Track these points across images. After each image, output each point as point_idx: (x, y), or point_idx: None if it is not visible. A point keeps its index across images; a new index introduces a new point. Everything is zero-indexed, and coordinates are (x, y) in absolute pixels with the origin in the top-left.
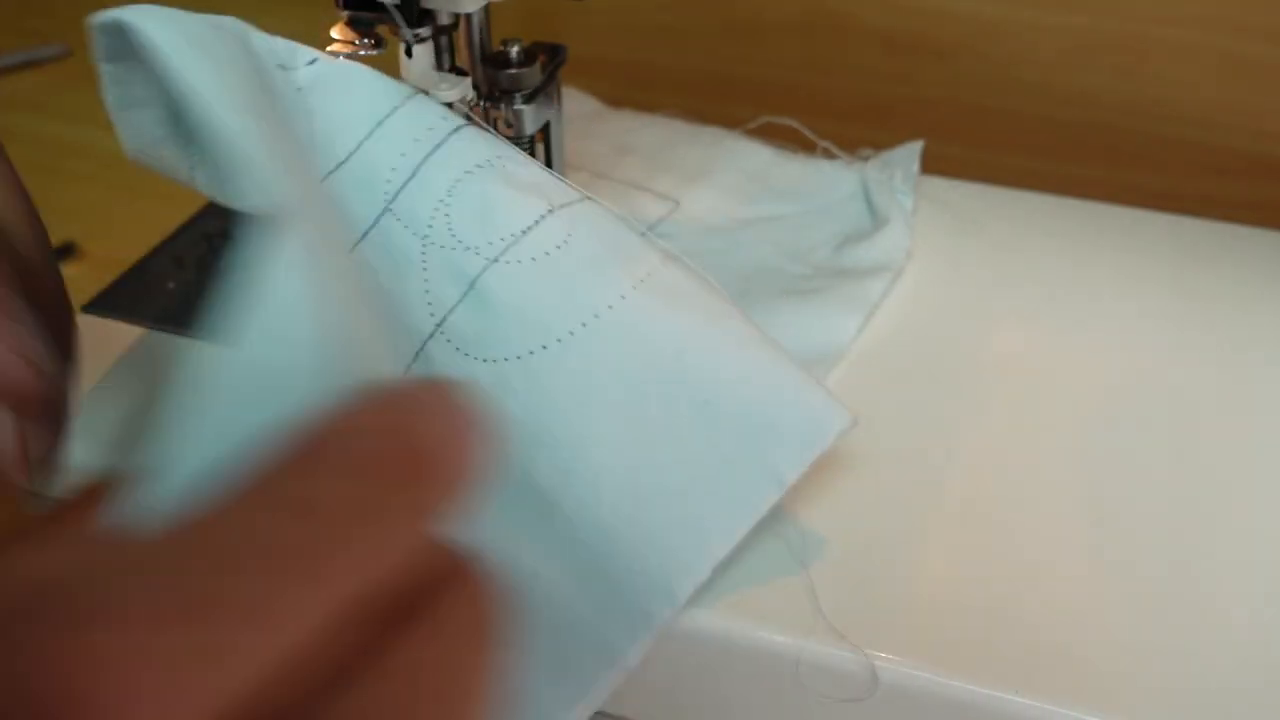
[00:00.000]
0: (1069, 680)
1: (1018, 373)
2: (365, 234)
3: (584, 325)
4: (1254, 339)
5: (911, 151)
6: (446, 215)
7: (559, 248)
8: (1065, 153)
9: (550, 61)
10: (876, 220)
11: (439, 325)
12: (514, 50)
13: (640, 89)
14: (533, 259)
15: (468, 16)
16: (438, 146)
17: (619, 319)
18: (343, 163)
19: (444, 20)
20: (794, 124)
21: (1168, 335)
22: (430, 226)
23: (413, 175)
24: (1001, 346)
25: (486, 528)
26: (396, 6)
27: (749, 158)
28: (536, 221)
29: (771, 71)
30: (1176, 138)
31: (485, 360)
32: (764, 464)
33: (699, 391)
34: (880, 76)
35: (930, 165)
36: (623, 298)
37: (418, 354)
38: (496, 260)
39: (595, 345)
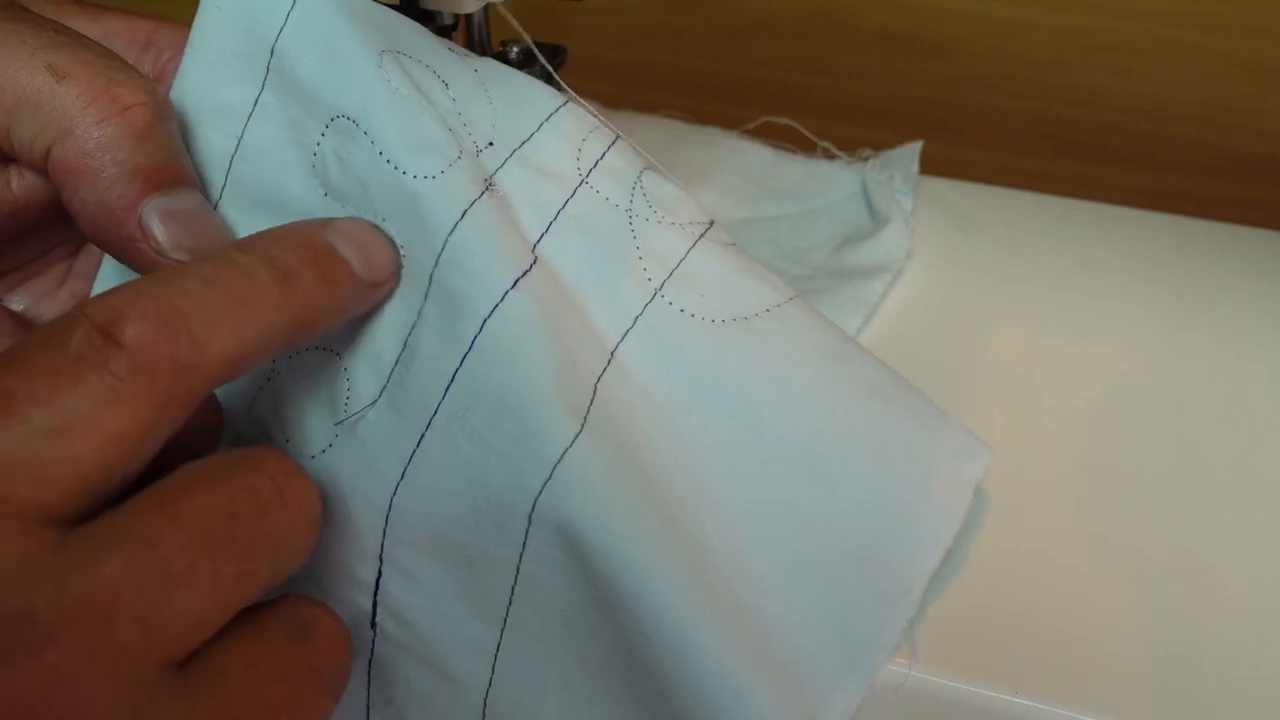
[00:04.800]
0: (1069, 680)
1: (1017, 373)
2: (563, 207)
3: (778, 305)
4: (1253, 339)
5: (911, 152)
6: (644, 194)
7: (733, 245)
8: (1065, 153)
9: (550, 62)
10: (876, 221)
11: (659, 289)
12: (514, 51)
13: (640, 89)
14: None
15: (468, 17)
16: (617, 138)
17: (798, 311)
18: (524, 141)
19: (445, 21)
20: (794, 124)
21: (1168, 335)
22: (631, 201)
23: (597, 162)
24: (1001, 346)
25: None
26: (396, 7)
27: (748, 158)
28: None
29: (771, 71)
30: (1176, 138)
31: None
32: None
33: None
34: (880, 76)
35: (930, 165)
36: (791, 298)
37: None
38: (702, 237)
39: (791, 322)
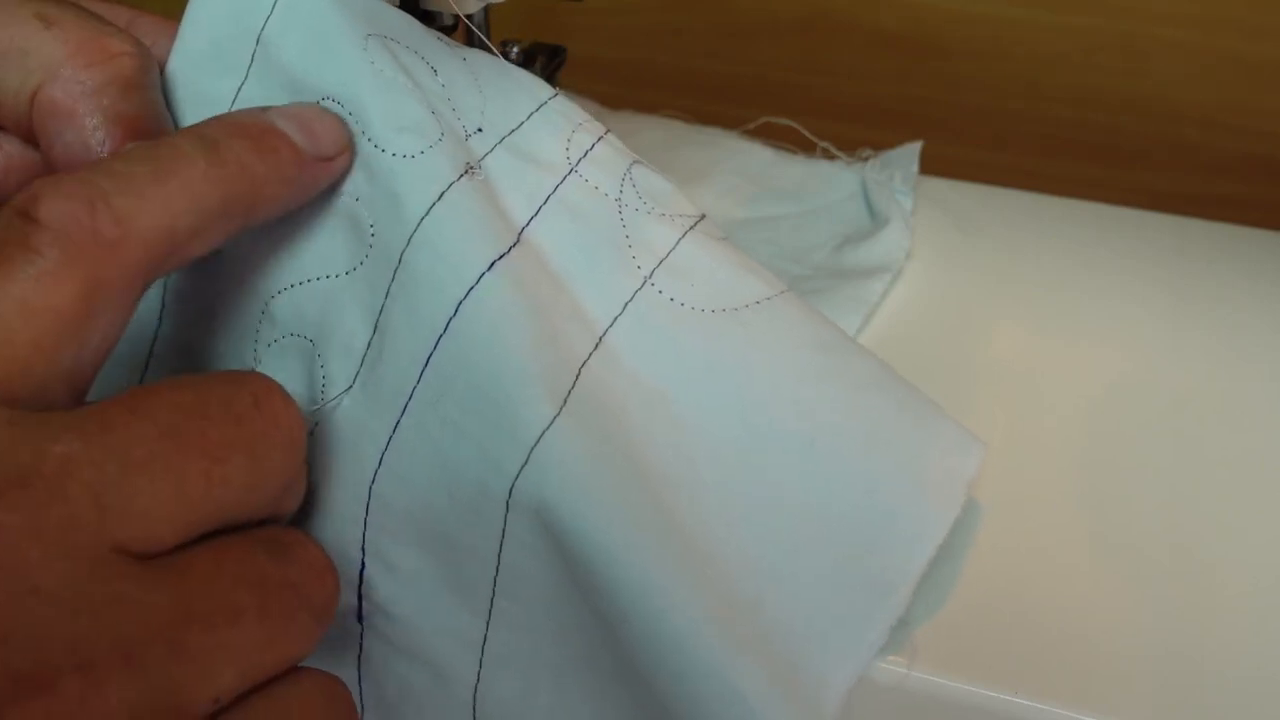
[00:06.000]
0: (1069, 680)
1: (1017, 373)
2: (552, 192)
3: (768, 299)
4: (1253, 339)
5: (911, 152)
6: (634, 185)
7: (725, 240)
8: (1065, 153)
9: (550, 62)
10: (876, 221)
11: (649, 277)
12: (514, 51)
13: (640, 89)
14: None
15: (468, 17)
16: (606, 132)
17: (789, 304)
18: (514, 130)
19: (445, 21)
20: (793, 124)
21: (1168, 335)
22: (621, 191)
23: (587, 153)
24: (1001, 346)
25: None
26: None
27: (748, 158)
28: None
29: (771, 71)
30: (1176, 138)
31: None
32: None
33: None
34: (880, 76)
35: (930, 165)
36: (782, 292)
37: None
38: (693, 228)
39: (782, 315)
